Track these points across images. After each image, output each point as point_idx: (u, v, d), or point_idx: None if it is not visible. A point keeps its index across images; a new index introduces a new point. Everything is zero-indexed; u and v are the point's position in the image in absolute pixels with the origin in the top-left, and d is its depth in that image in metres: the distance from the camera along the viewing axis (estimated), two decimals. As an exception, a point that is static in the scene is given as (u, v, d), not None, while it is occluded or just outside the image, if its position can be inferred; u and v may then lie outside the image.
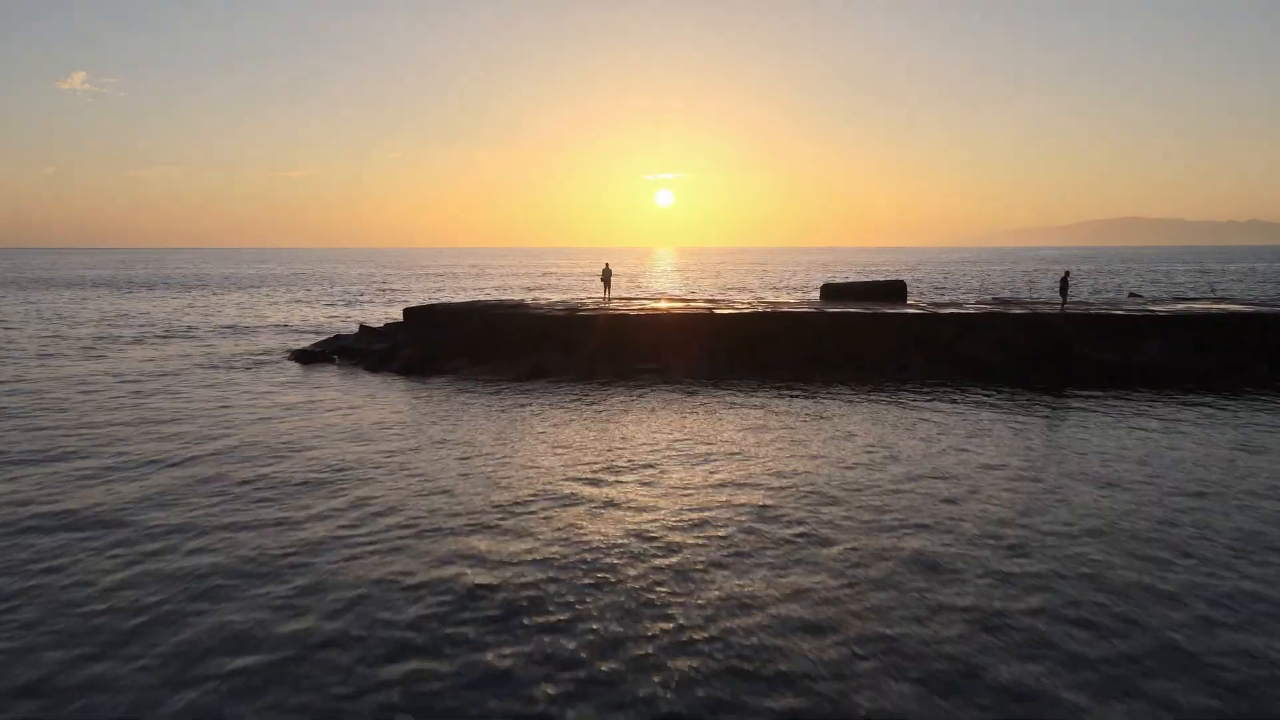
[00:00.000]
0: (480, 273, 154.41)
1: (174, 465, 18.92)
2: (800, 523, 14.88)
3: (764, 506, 15.76)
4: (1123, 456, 19.64)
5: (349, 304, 73.75)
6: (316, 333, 47.84)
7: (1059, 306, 36.88)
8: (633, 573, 12.82)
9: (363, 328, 40.59)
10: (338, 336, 40.53)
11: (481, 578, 12.64)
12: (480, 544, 13.98)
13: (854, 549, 13.66)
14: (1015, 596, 11.95)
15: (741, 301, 42.49)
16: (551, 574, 12.78)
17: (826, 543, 13.94)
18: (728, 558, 13.38)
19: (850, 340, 33.40)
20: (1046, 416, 24.29)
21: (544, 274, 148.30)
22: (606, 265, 44.09)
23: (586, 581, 12.52)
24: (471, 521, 15.04)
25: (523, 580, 12.55)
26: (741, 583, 12.43)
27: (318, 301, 76.89)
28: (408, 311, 38.91)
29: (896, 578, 12.58)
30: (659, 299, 45.64)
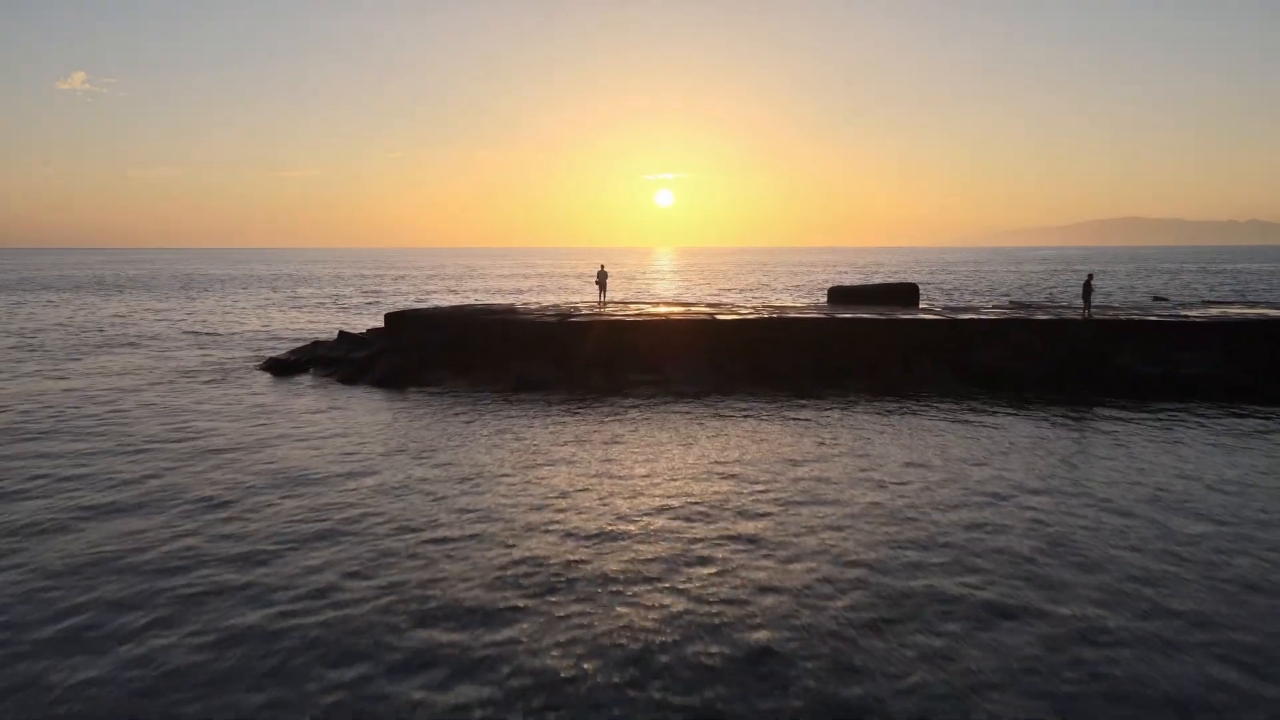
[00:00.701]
0: (476, 273, 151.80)
1: (92, 506, 16.43)
2: (867, 576, 12.39)
3: (810, 568, 12.89)
4: (1189, 477, 17.41)
5: (337, 307, 71.25)
6: (295, 339, 45.39)
7: (1082, 312, 34.55)
8: (664, 684, 9.70)
9: (342, 334, 38.12)
10: (316, 344, 38.06)
11: (444, 689, 10.03)
12: (447, 639, 11.04)
13: (927, 613, 11.21)
14: (1136, 665, 9.52)
15: (745, 305, 40.06)
16: (546, 679, 10.03)
17: (900, 612, 11.47)
18: (787, 637, 10.71)
19: (863, 348, 30.97)
20: (1086, 432, 21.88)
21: (541, 275, 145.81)
22: (601, 267, 41.56)
23: (605, 692, 9.52)
24: (438, 605, 11.81)
25: (503, 692, 9.74)
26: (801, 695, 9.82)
27: (304, 304, 74.33)
28: (389, 317, 36.51)
29: (979, 655, 10.13)
30: (658, 303, 43.17)
